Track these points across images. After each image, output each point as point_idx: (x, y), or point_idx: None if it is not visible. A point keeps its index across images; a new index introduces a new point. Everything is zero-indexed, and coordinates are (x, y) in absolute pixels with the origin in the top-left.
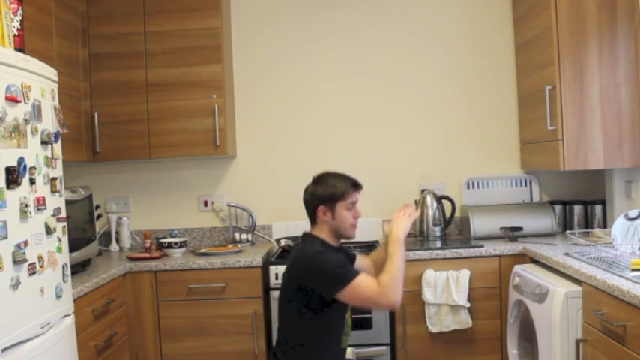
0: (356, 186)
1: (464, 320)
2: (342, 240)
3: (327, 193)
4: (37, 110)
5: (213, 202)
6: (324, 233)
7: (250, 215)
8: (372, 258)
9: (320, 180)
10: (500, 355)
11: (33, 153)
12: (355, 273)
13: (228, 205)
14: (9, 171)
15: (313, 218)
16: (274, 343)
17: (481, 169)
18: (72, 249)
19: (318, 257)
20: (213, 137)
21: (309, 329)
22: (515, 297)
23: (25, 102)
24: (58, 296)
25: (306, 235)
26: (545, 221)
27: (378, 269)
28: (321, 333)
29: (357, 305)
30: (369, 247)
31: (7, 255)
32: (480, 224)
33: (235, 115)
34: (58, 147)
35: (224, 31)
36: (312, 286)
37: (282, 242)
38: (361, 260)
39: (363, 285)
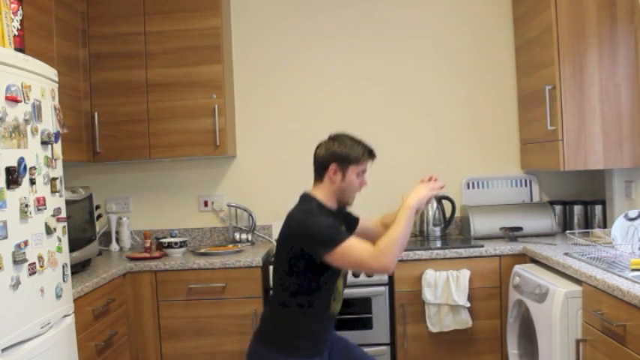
0: (371, 154)
1: (464, 320)
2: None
3: (344, 152)
4: (37, 110)
5: (213, 202)
6: (325, 192)
7: (250, 215)
8: (383, 220)
9: (337, 138)
10: (500, 355)
11: (33, 153)
12: (345, 236)
13: (228, 205)
14: (9, 171)
15: (320, 175)
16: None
17: (481, 169)
18: (72, 249)
19: (310, 220)
20: (213, 137)
21: (298, 291)
22: (515, 297)
23: (25, 102)
24: (58, 296)
25: (304, 195)
26: (545, 221)
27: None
28: (310, 296)
29: (349, 269)
30: None
31: (7, 255)
32: (480, 224)
33: (235, 115)
34: (58, 147)
35: (224, 31)
36: (303, 247)
37: None
38: (366, 221)
39: (354, 248)
